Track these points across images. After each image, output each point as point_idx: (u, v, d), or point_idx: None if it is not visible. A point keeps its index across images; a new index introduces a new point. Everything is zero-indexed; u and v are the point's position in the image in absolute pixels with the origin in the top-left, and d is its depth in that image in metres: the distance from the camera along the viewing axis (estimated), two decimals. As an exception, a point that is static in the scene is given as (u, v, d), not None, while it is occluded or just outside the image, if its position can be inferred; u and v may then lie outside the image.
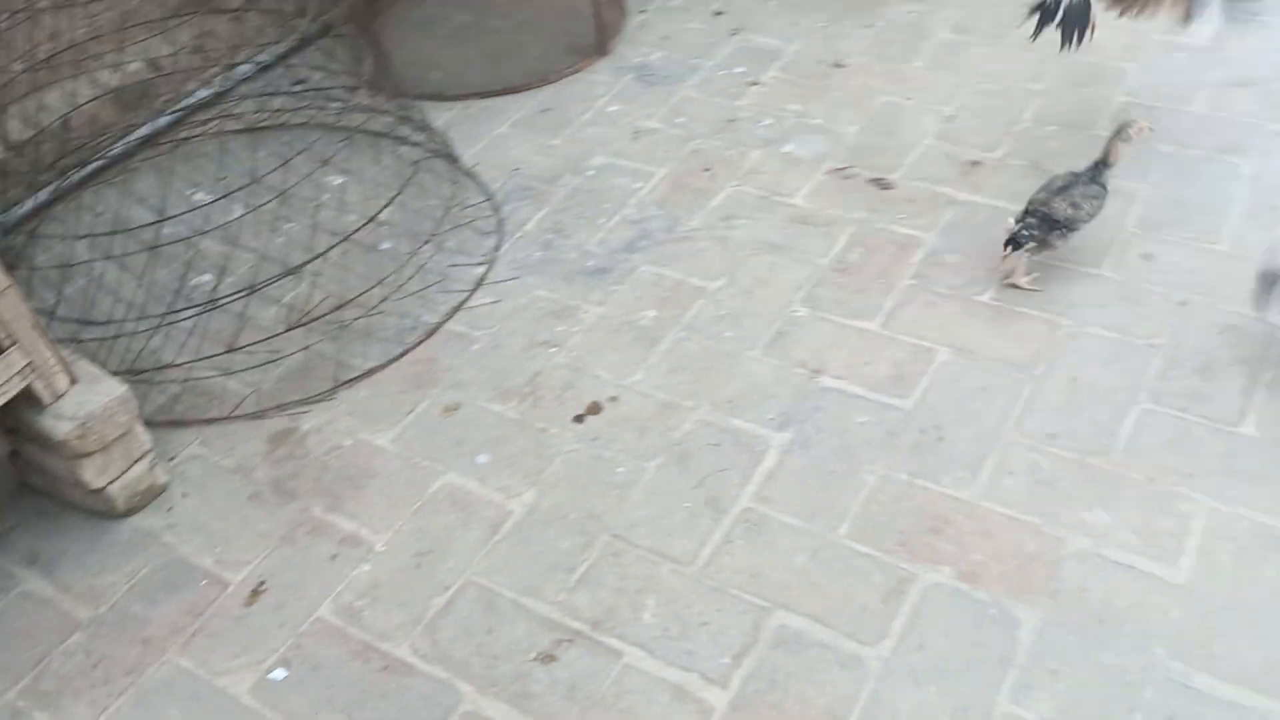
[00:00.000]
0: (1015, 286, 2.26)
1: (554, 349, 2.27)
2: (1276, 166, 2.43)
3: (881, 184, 2.59)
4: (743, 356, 2.20)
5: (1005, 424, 1.99)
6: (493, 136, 2.92)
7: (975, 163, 2.61)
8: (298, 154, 2.39)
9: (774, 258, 2.42)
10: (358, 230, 2.43)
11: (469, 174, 2.77)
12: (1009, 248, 2.21)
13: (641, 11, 3.34)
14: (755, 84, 2.98)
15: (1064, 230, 2.21)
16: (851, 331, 2.22)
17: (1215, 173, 2.45)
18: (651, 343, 2.26)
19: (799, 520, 1.88)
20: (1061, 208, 2.20)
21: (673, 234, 2.52)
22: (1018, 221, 2.22)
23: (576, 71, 3.11)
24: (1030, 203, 2.25)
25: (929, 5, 3.17)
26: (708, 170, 2.70)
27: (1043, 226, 2.20)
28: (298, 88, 3.03)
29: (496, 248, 2.55)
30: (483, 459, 2.06)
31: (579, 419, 2.11)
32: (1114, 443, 1.92)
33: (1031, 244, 2.20)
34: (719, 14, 3.28)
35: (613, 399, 2.15)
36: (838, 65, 3.00)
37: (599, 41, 3.17)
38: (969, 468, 1.92)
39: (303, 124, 2.92)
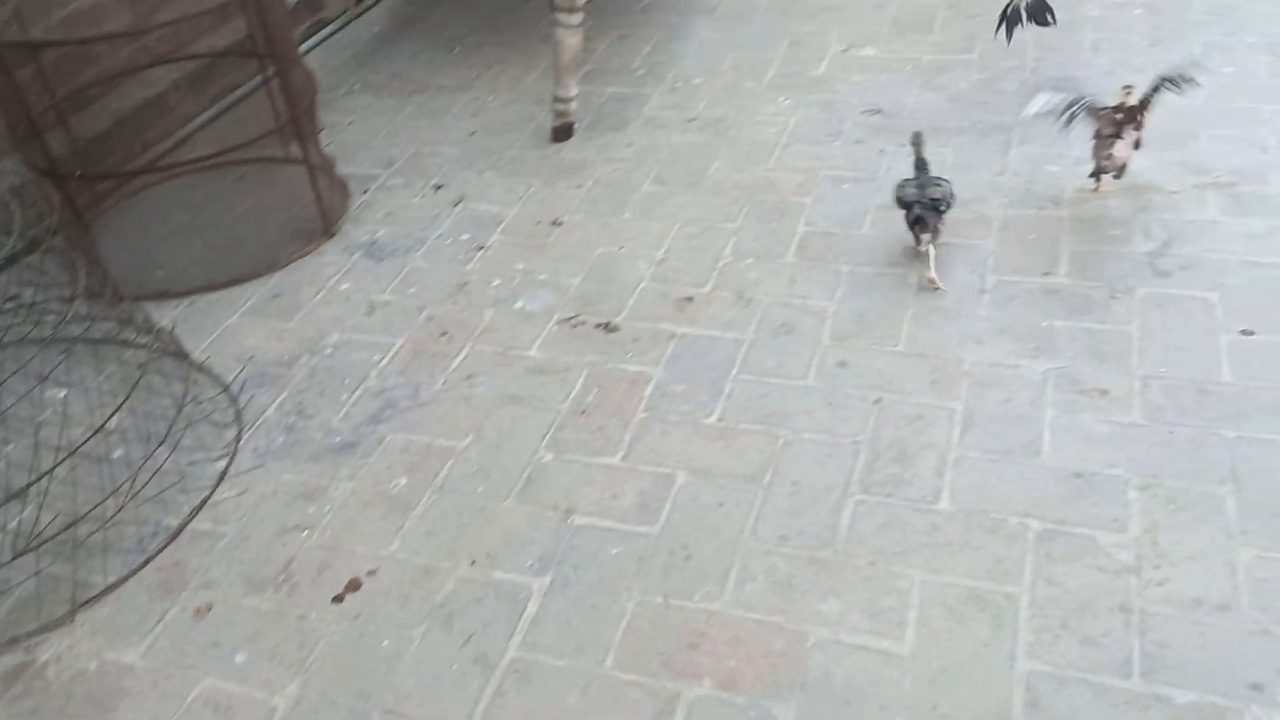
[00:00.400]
0: (933, 283, 2.70)
1: (306, 531, 2.27)
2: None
3: (608, 328, 2.78)
4: (496, 509, 2.28)
5: (743, 534, 2.15)
6: (224, 328, 2.92)
7: (688, 298, 2.85)
8: (10, 375, 2.31)
9: (516, 409, 2.54)
10: (84, 442, 2.35)
11: (201, 369, 2.75)
12: (923, 235, 2.76)
13: (364, 191, 3.47)
14: (482, 248, 3.14)
15: (945, 208, 2.79)
16: (596, 469, 2.35)
17: (887, 284, 2.79)
18: (406, 509, 2.30)
19: (566, 660, 1.94)
20: (934, 192, 2.79)
21: (417, 399, 2.60)
22: (910, 219, 2.79)
23: (305, 255, 3.18)
24: (906, 201, 2.81)
25: (631, 163, 3.47)
26: (445, 334, 2.81)
27: (931, 212, 2.76)
28: (9, 305, 2.93)
29: (237, 439, 2.54)
30: (240, 658, 2.01)
31: (338, 599, 2.11)
32: (836, 535, 2.12)
33: (937, 220, 2.76)
34: (439, 187, 3.45)
35: (371, 572, 2.16)
36: (556, 224, 3.22)
37: (324, 224, 3.26)
38: (716, 580, 2.06)
39: (18, 341, 2.81)
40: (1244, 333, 2.47)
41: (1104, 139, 2.89)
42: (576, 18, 3.43)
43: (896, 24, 4.08)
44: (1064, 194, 3.03)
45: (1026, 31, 3.84)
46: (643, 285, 2.92)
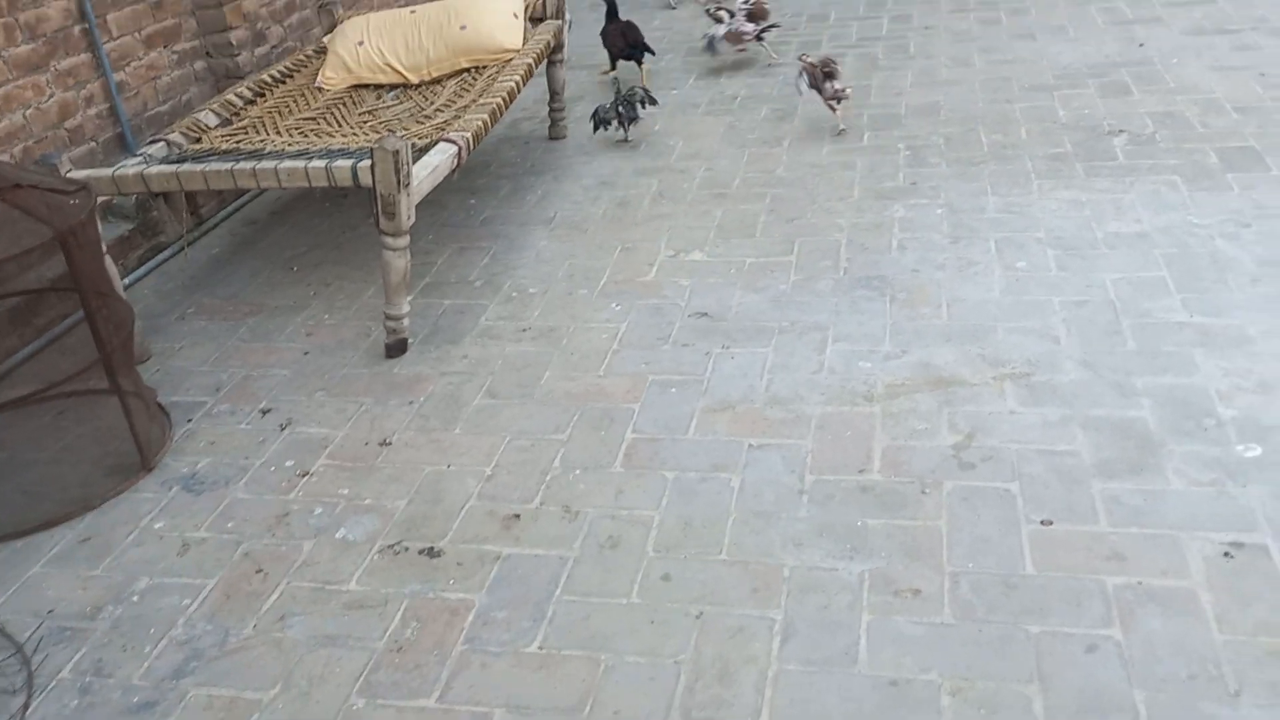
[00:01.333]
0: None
1: (91, 811, 2.10)
2: (756, 477, 2.85)
3: (431, 553, 2.73)
4: (303, 766, 2.15)
5: (560, 774, 2.07)
6: (24, 580, 2.76)
7: (515, 516, 2.83)
8: None
9: (330, 650, 2.44)
10: None
11: (-6, 628, 2.59)
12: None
13: (188, 420, 3.40)
14: (306, 474, 3.08)
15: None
16: (410, 713, 2.25)
17: (711, 490, 2.83)
18: (205, 775, 2.15)
19: None
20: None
21: (225, 647, 2.48)
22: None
23: (120, 493, 3.07)
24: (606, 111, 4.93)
25: (463, 375, 3.49)
26: (260, 572, 2.71)
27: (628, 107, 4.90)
28: None
29: (25, 707, 2.36)
30: None
31: None
32: (654, 769, 2.06)
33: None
34: (266, 412, 3.41)
35: None
36: (385, 444, 3.19)
37: (143, 458, 3.16)
38: (531, 829, 1.97)
39: None
40: (1044, 523, 2.56)
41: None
42: (403, 240, 3.51)
43: (721, 229, 4.29)
44: (876, 389, 3.15)
45: (841, 234, 4.09)
46: (470, 504, 2.89)
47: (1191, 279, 3.50)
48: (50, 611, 2.64)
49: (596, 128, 5.20)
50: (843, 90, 4.98)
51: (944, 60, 5.94)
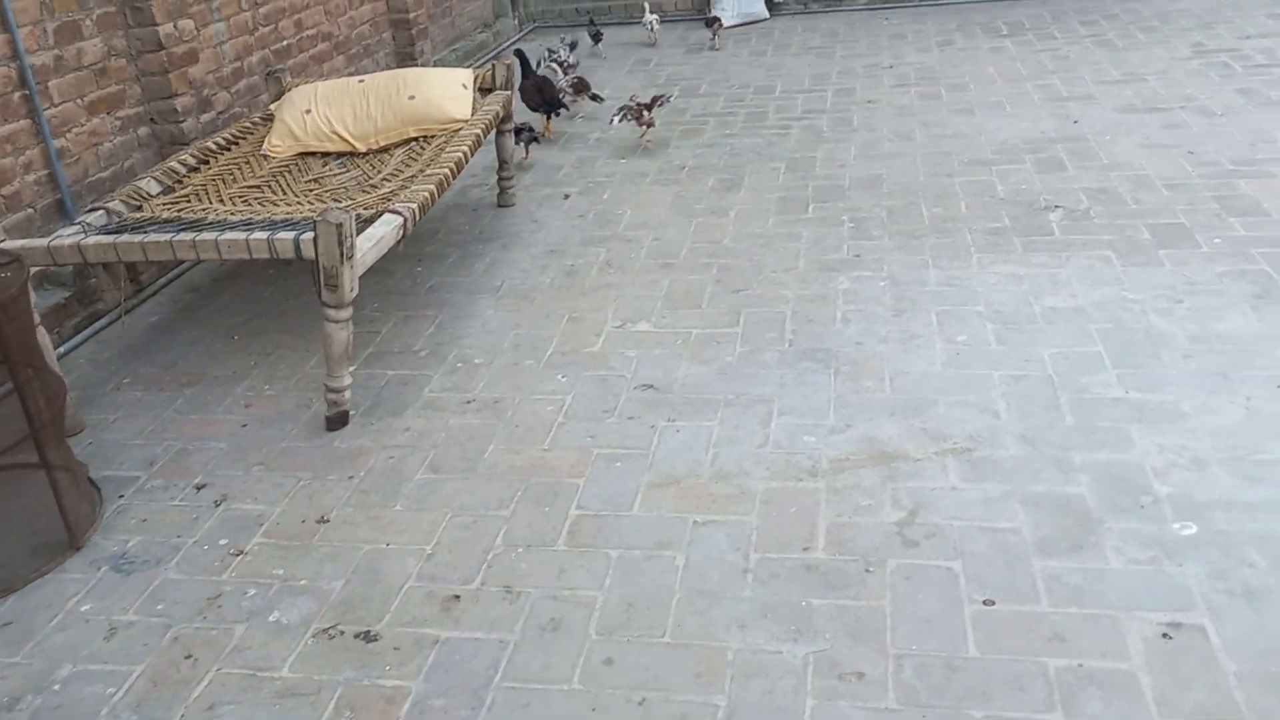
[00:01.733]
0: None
1: None
2: (700, 555, 2.83)
3: (368, 636, 2.66)
4: None
5: None
6: (-62, 668, 2.65)
7: (455, 597, 2.77)
8: None
9: (261, 742, 2.36)
10: None
11: (-97, 721, 2.47)
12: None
13: (120, 496, 3.31)
14: (240, 553, 3.00)
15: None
16: (342, 808, 2.18)
17: (656, 569, 2.80)
18: None
19: None
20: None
21: (150, 739, 2.39)
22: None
23: (46, 573, 2.96)
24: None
25: (406, 448, 3.45)
26: (190, 658, 2.62)
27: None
28: None
29: (-67, 807, 2.25)
30: None
31: None
32: None
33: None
34: (201, 487, 3.32)
35: None
36: (322, 521, 3.12)
37: (71, 537, 3.06)
38: None
39: None
40: (986, 603, 2.56)
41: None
42: (346, 312, 3.47)
43: (669, 299, 4.31)
44: (820, 464, 3.16)
45: (786, 305, 4.12)
46: (408, 585, 2.83)
47: (1126, 354, 3.57)
48: (-35, 702, 2.53)
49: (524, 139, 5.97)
50: (653, 120, 6.20)
51: (886, 134, 6.07)
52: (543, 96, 6.25)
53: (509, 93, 5.33)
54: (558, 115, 6.64)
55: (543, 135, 6.35)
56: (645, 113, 6.12)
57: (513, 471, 3.29)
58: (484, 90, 5.32)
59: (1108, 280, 4.09)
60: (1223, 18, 7.79)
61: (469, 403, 3.70)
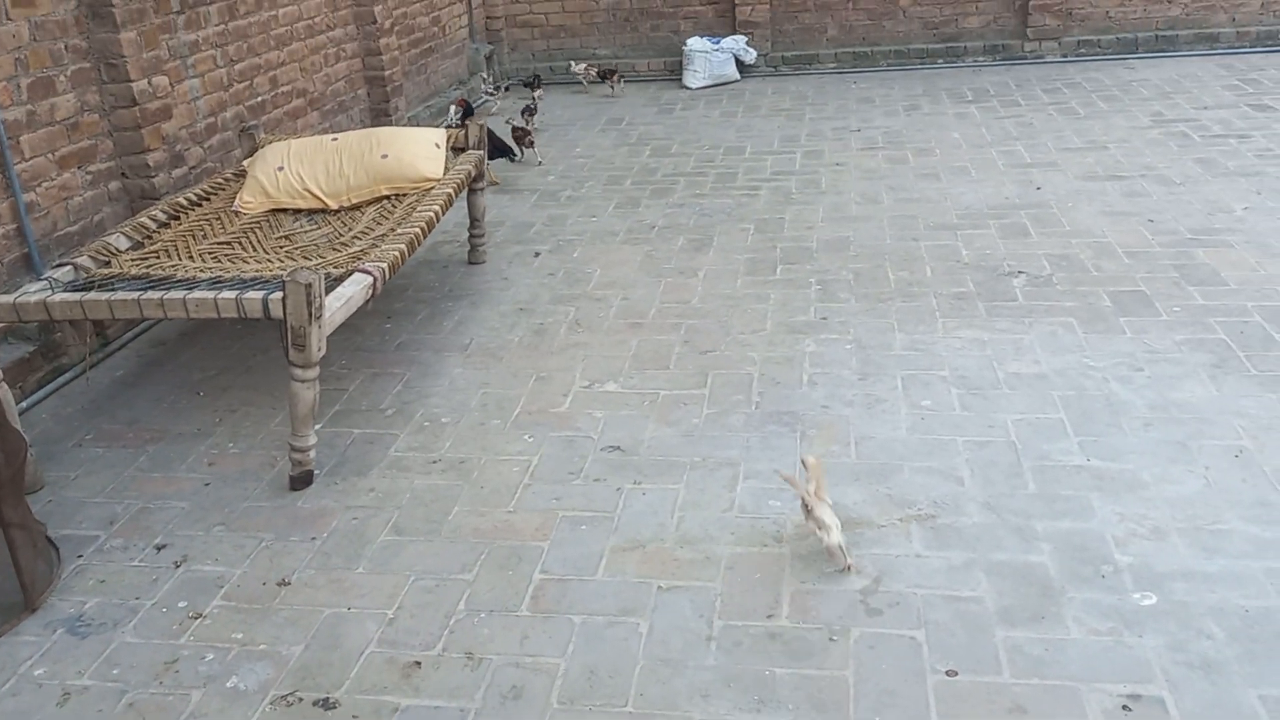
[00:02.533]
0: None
1: None
2: (664, 622, 2.82)
3: (326, 704, 2.62)
4: None
5: None
6: (-118, 736, 2.58)
7: (416, 663, 2.74)
8: None
9: (213, 815, 2.31)
10: None
11: None
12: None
13: (78, 556, 3.26)
14: (198, 617, 2.96)
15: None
16: None
17: (619, 635, 2.79)
18: None
19: None
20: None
21: (98, 812, 2.33)
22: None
23: (0, 635, 2.91)
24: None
25: (370, 509, 3.42)
26: (138, 727, 2.58)
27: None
28: None
29: None
30: None
31: None
32: None
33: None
34: (161, 548, 3.28)
35: None
36: (283, 583, 3.09)
37: (27, 598, 3.00)
38: None
39: None
40: (949, 673, 2.57)
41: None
42: (313, 371, 3.47)
43: (637, 359, 4.33)
44: (786, 529, 3.17)
45: (754, 367, 4.16)
46: (369, 651, 2.80)
47: (1088, 422, 3.62)
48: (-92, 772, 2.47)
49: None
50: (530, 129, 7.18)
51: (854, 196, 6.17)
52: (492, 143, 6.27)
53: (481, 152, 5.38)
54: (513, 160, 7.13)
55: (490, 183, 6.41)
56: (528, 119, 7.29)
57: (477, 534, 3.27)
58: (456, 150, 5.37)
59: (1070, 347, 4.16)
60: (1182, 89, 8.01)
61: (434, 463, 3.68)
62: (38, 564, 3.11)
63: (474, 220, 5.48)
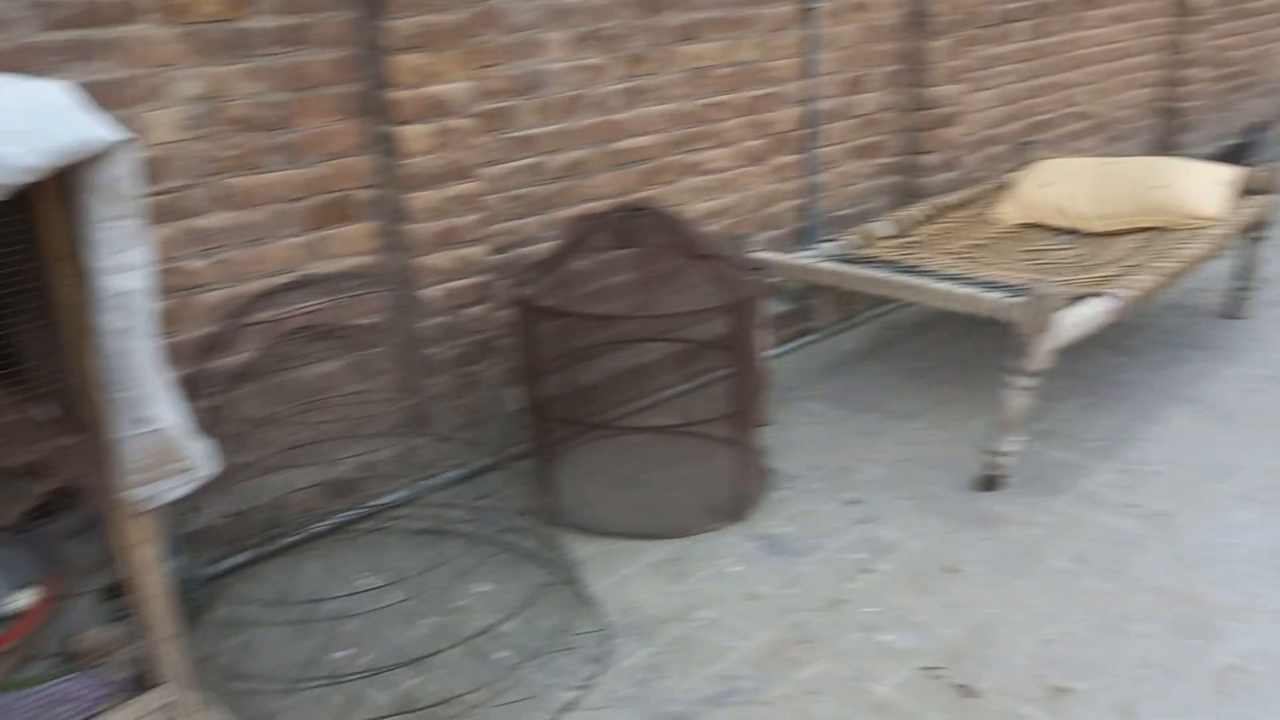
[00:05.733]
0: None
1: (610, 786, 2.41)
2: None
3: (967, 691, 2.68)
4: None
5: None
6: (621, 575, 3.24)
7: (1065, 689, 2.67)
8: (452, 559, 2.81)
9: (842, 743, 2.52)
10: (475, 637, 2.75)
11: (589, 604, 3.08)
12: None
13: (783, 488, 3.72)
14: (868, 571, 3.21)
15: None
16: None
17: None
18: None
19: None
20: None
21: (758, 695, 2.68)
22: None
23: (710, 531, 3.45)
24: None
25: (1051, 531, 3.37)
26: (802, 643, 2.89)
27: None
28: (477, 503, 3.53)
29: (593, 676, 2.78)
30: None
31: None
32: None
33: None
34: (852, 503, 3.60)
35: None
36: (950, 570, 3.20)
37: (736, 509, 3.53)
38: None
39: (468, 534, 3.38)
40: None
41: None
42: (1030, 381, 3.49)
43: None
44: None
45: None
46: (1020, 661, 2.78)
47: None
48: (633, 608, 3.07)
49: None
50: None
51: None
52: None
53: (1273, 198, 4.83)
54: None
55: None
56: None
57: (1160, 591, 3.04)
58: (1247, 192, 4.89)
59: None
60: None
61: (1132, 506, 3.48)
62: (751, 483, 3.63)
63: (1245, 271, 4.96)
